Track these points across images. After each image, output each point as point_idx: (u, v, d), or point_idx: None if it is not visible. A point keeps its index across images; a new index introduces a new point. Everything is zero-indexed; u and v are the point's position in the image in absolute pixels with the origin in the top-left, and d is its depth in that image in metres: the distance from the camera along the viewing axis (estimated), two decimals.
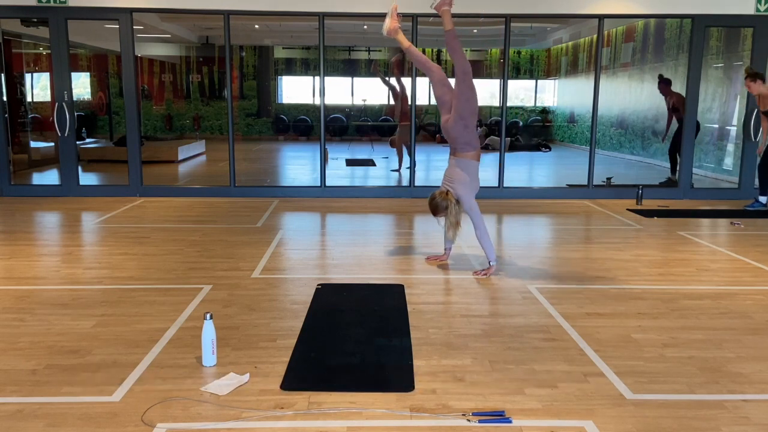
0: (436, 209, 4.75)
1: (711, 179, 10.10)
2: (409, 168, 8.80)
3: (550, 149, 15.33)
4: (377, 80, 18.96)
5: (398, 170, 10.49)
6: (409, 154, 10.44)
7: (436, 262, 5.06)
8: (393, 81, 10.79)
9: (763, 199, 7.62)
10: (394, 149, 10.72)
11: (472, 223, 4.76)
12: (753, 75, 7.32)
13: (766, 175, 7.53)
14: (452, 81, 4.79)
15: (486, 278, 4.63)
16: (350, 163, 12.02)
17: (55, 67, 7.97)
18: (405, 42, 4.95)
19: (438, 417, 2.59)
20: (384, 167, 11.45)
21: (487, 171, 11.28)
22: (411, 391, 2.81)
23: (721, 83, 10.58)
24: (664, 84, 9.50)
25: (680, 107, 8.92)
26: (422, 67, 4.92)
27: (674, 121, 9.35)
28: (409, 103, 8.97)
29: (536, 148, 15.34)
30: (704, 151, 10.63)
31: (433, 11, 4.81)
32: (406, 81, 9.51)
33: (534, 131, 17.82)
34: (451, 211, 4.68)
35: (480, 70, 18.58)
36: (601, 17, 8.15)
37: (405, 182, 9.49)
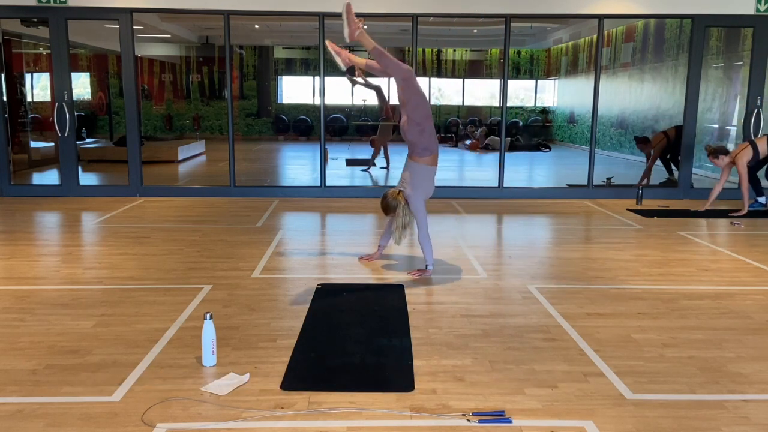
0: (386, 208, 4.77)
1: (711, 179, 10.10)
2: (386, 168, 8.82)
3: (550, 149, 15.33)
4: (379, 80, 19.03)
5: (368, 170, 10.67)
6: (386, 156, 10.64)
7: (368, 261, 5.06)
8: (370, 81, 10.80)
9: (762, 199, 7.62)
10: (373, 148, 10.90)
11: (416, 225, 4.72)
12: (713, 152, 7.37)
13: (754, 180, 7.60)
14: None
15: (420, 278, 4.61)
16: (350, 163, 12.01)
17: (55, 67, 7.97)
18: (370, 42, 4.76)
19: (438, 417, 2.59)
20: (384, 167, 11.45)
21: (487, 171, 11.30)
22: (411, 391, 2.81)
23: (721, 83, 10.58)
24: (642, 143, 9.32)
25: (656, 145, 9.00)
26: (392, 67, 4.62)
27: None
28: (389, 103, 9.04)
29: (536, 148, 15.34)
30: (704, 151, 10.62)
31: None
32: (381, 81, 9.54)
33: (534, 131, 17.82)
34: (400, 212, 4.67)
35: (480, 70, 18.59)
36: (601, 17, 8.16)
37: (380, 182, 9.64)
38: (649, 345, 3.39)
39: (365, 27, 4.79)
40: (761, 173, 7.75)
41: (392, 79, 4.63)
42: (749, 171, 7.43)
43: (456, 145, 16.16)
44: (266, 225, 6.50)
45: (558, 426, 2.54)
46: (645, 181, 8.88)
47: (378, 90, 10.68)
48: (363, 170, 10.81)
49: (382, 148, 10.93)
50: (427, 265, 4.71)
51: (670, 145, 8.94)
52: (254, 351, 3.26)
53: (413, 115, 4.56)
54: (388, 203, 4.72)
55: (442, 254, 5.33)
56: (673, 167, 9.06)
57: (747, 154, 7.20)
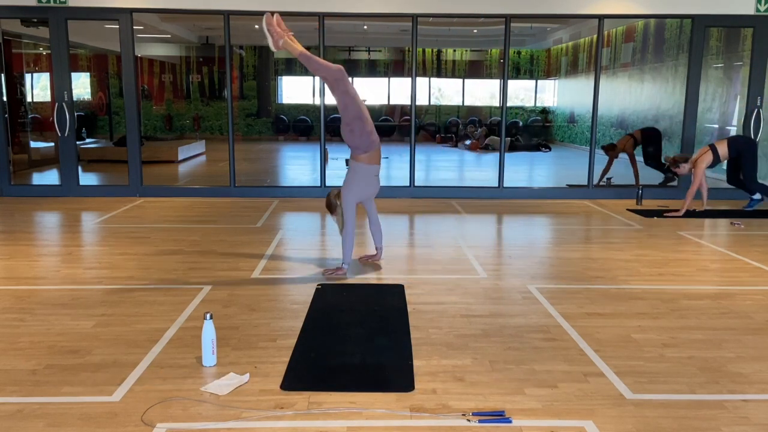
0: (328, 207, 4.87)
1: (711, 179, 10.09)
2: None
3: (549, 149, 15.33)
4: (379, 80, 19.01)
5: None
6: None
7: (369, 261, 5.08)
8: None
9: (757, 196, 7.57)
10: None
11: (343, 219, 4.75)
12: (673, 162, 7.44)
13: (736, 183, 7.67)
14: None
15: (333, 276, 4.62)
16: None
17: (55, 67, 7.97)
18: (296, 49, 4.74)
19: (438, 417, 2.59)
20: (384, 167, 11.42)
21: (487, 171, 11.29)
22: (411, 391, 2.81)
23: (721, 83, 10.58)
24: (609, 150, 9.20)
25: (624, 147, 9.03)
26: (322, 70, 4.62)
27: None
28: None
29: (536, 148, 15.34)
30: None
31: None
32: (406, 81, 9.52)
33: (534, 131, 17.82)
34: (338, 211, 4.76)
35: (480, 70, 18.58)
36: (601, 17, 8.16)
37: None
38: (649, 345, 3.39)
39: (292, 33, 4.77)
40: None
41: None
42: (732, 173, 7.51)
43: (456, 146, 16.17)
44: (266, 225, 6.50)
45: (558, 426, 2.54)
46: (637, 182, 8.88)
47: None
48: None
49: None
50: (342, 264, 4.72)
51: (638, 143, 9.02)
52: (254, 351, 3.26)
53: (343, 116, 4.62)
54: (329, 202, 4.85)
55: (442, 254, 5.33)
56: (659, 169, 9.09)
57: (707, 159, 7.20)
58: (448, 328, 3.61)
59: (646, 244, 5.80)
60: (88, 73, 15.73)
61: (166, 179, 9.94)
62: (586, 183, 8.60)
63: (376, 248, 5.10)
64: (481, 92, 19.10)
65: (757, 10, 8.01)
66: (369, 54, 18.47)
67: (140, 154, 8.28)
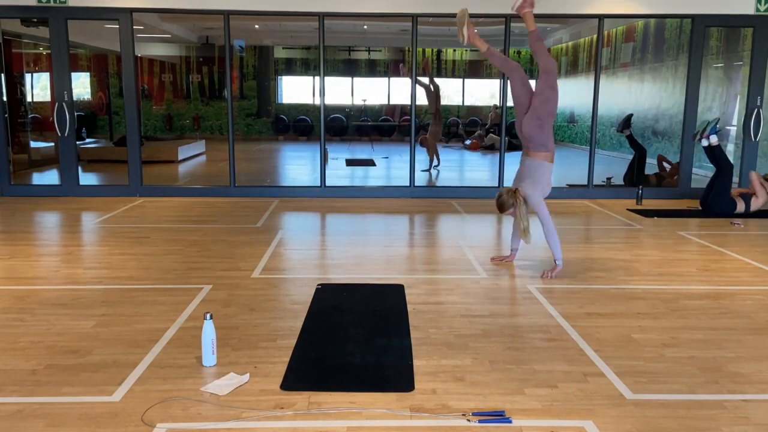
0: (502, 206, 4.72)
1: (702, 177, 10.10)
2: (437, 167, 8.73)
3: None
4: (379, 80, 18.98)
5: (429, 170, 10.48)
6: (437, 155, 10.46)
7: (502, 262, 5.04)
8: (426, 81, 10.78)
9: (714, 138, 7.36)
10: (424, 148, 10.62)
11: (540, 223, 4.70)
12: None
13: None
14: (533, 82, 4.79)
15: (553, 277, 4.61)
16: (350, 163, 12.01)
17: (55, 67, 7.97)
18: (483, 45, 4.84)
19: (438, 417, 2.59)
20: (384, 167, 11.45)
21: (487, 171, 11.29)
22: (411, 391, 2.81)
23: (721, 83, 10.58)
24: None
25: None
26: (503, 66, 4.94)
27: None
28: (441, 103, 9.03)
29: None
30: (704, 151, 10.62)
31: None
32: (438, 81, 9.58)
33: None
34: (520, 211, 4.63)
35: (480, 70, 18.58)
36: (601, 17, 8.15)
37: (438, 182, 9.48)
38: (649, 345, 3.39)
39: (476, 31, 4.85)
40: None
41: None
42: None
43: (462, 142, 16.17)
44: (266, 225, 6.50)
45: (558, 426, 2.54)
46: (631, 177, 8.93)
47: (428, 89, 10.71)
48: (423, 171, 10.69)
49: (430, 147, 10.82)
50: (556, 261, 4.68)
51: None
52: (254, 351, 3.26)
53: (540, 110, 4.63)
54: (503, 201, 4.70)
55: (442, 254, 5.33)
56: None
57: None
58: (448, 328, 3.61)
59: (646, 244, 5.80)
60: (88, 73, 15.73)
61: (166, 179, 9.94)
62: (586, 183, 8.60)
63: (513, 249, 5.05)
64: (481, 92, 19.10)
65: (757, 10, 8.01)
66: (369, 54, 18.47)
67: (140, 154, 8.28)
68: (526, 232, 4.61)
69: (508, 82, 4.98)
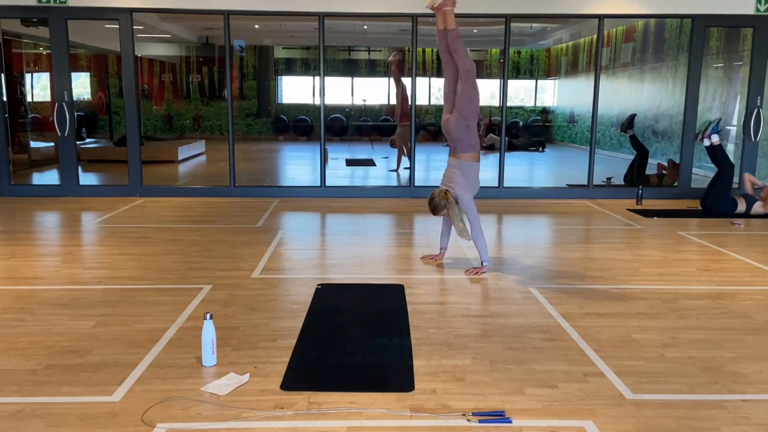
0: (435, 209, 4.79)
1: (702, 177, 10.10)
2: (408, 168, 8.76)
3: (544, 149, 15.25)
4: (379, 80, 18.95)
5: (396, 170, 10.50)
6: (408, 155, 10.43)
7: (432, 261, 5.07)
8: (392, 81, 10.81)
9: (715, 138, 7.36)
10: (395, 149, 10.73)
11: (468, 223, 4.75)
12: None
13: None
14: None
15: (477, 276, 4.64)
16: (350, 163, 12.01)
17: (55, 67, 7.97)
18: (453, 22, 4.71)
19: (438, 417, 2.59)
20: (384, 167, 11.45)
21: (487, 171, 11.28)
22: (411, 391, 2.81)
23: (721, 83, 10.58)
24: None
25: None
26: (459, 55, 4.73)
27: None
28: (409, 103, 8.98)
29: (535, 147, 15.31)
30: (704, 151, 10.62)
31: (429, 11, 4.77)
32: (406, 81, 9.53)
33: (534, 131, 17.81)
34: (453, 212, 4.70)
35: (480, 70, 18.56)
36: (601, 17, 8.15)
37: (404, 182, 9.49)
38: (649, 345, 3.39)
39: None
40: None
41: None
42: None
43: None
44: (266, 225, 6.50)
45: (558, 426, 2.54)
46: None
47: (404, 90, 10.66)
48: (391, 171, 10.73)
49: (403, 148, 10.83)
50: (482, 262, 4.72)
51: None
52: (254, 351, 3.26)
53: (464, 110, 4.65)
54: (436, 204, 4.75)
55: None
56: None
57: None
58: (448, 328, 3.60)
59: (646, 244, 5.80)
60: (88, 73, 15.72)
61: (166, 179, 9.94)
62: (586, 183, 8.60)
63: (441, 248, 5.09)
64: (481, 92, 19.05)
65: (757, 10, 8.01)
66: (369, 54, 18.46)
67: (140, 154, 8.28)
68: (464, 232, 4.69)
69: (444, 76, 4.84)
